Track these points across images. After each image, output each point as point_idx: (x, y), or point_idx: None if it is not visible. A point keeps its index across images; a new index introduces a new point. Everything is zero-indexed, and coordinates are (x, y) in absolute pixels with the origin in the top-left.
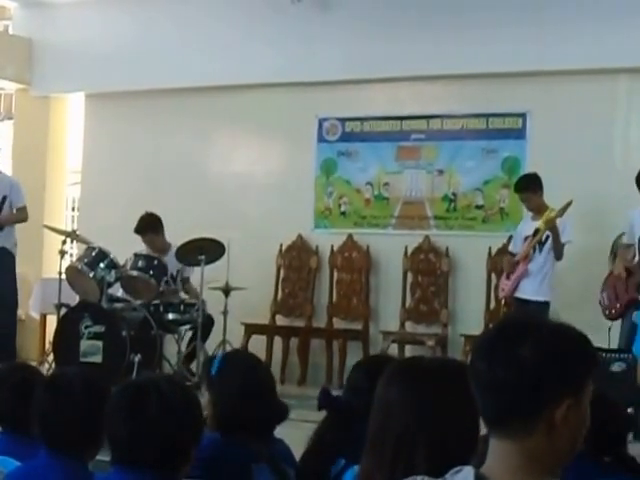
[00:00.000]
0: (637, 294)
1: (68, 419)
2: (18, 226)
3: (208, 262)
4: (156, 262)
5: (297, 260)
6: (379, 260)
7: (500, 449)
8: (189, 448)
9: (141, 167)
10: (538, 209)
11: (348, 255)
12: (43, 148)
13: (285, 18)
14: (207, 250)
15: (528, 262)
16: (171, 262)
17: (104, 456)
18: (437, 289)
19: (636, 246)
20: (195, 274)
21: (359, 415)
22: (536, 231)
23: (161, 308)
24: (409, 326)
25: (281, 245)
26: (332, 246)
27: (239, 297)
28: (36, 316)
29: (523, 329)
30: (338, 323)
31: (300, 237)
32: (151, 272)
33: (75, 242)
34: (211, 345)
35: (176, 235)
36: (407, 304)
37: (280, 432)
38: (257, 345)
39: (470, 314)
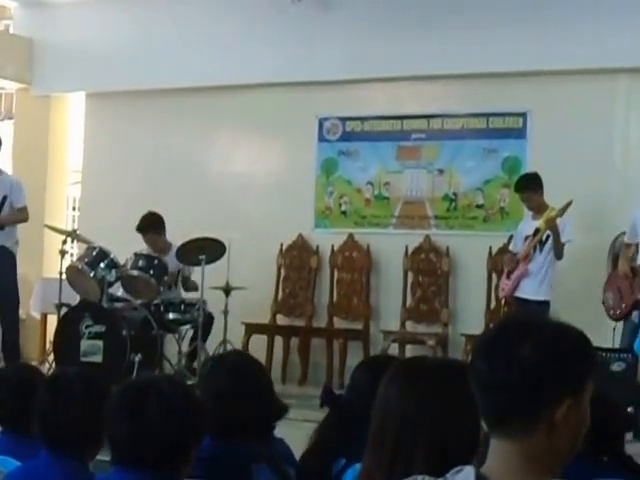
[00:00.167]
0: None
1: (68, 419)
2: (19, 225)
3: (209, 262)
4: (156, 262)
5: (298, 260)
6: (379, 260)
7: (500, 449)
8: (189, 448)
9: (141, 167)
10: (538, 208)
11: (349, 255)
12: (44, 148)
13: (285, 18)
14: (208, 250)
15: (528, 262)
16: (171, 262)
17: (104, 456)
18: (437, 289)
19: None
20: (196, 274)
21: (360, 414)
22: (536, 231)
23: (162, 308)
24: (410, 326)
25: (281, 245)
26: (333, 246)
27: (240, 297)
28: (37, 316)
29: (523, 329)
30: (339, 323)
31: (301, 237)
32: (151, 272)
33: (76, 242)
34: (212, 345)
35: (176, 235)
36: (408, 304)
37: (281, 432)
38: (258, 345)
39: (471, 314)
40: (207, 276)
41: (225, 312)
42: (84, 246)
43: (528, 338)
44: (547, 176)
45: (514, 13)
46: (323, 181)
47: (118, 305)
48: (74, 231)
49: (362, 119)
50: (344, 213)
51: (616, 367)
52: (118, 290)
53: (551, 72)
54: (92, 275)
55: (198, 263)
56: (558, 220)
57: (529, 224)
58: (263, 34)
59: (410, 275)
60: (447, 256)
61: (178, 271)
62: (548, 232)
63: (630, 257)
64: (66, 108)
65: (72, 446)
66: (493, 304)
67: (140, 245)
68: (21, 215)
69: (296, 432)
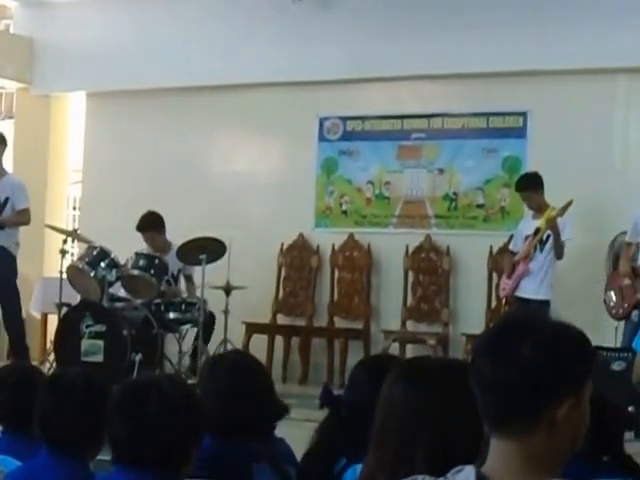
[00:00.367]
0: None
1: (69, 419)
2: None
3: (209, 261)
4: (157, 261)
5: (298, 259)
6: (380, 259)
7: (500, 449)
8: (190, 448)
9: (142, 166)
10: (539, 208)
11: (349, 254)
12: (44, 147)
13: (286, 17)
14: (208, 249)
15: (529, 261)
16: (172, 261)
17: (105, 455)
18: (438, 288)
19: None
20: (196, 273)
21: (360, 414)
22: (537, 230)
23: (162, 307)
24: (410, 325)
25: (282, 244)
26: (333, 245)
27: (240, 296)
28: (37, 315)
29: (524, 328)
30: (339, 322)
31: (301, 236)
32: (152, 271)
33: (76, 241)
34: (212, 345)
35: (177, 234)
36: (408, 303)
37: (281, 431)
38: (258, 344)
39: (471, 313)
40: (207, 276)
41: (225, 312)
42: (84, 246)
43: (528, 338)
44: (547, 175)
45: (514, 13)
46: (324, 180)
47: (119, 305)
48: (74, 231)
49: (362, 119)
50: (345, 213)
51: (616, 366)
52: (119, 290)
53: (551, 72)
54: (93, 275)
55: (199, 263)
56: (558, 220)
57: (529, 223)
58: (263, 34)
59: (411, 275)
60: (447, 255)
61: (179, 270)
62: (548, 232)
63: (631, 257)
64: (66, 108)
65: (72, 446)
66: (494, 303)
67: (141, 244)
68: (22, 217)
69: (297, 432)
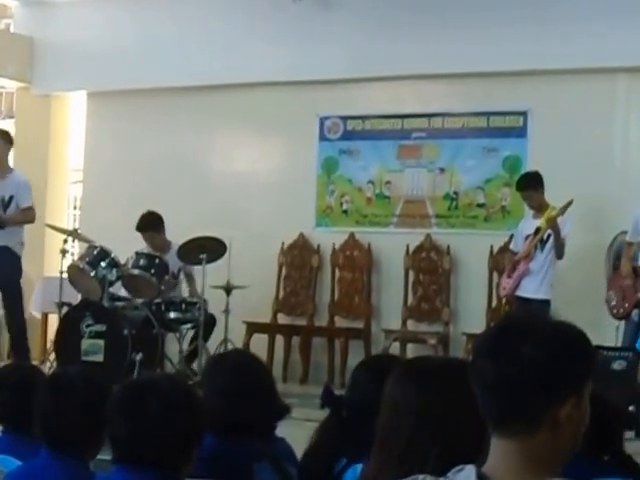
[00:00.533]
0: None
1: (69, 418)
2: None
3: (209, 261)
4: (157, 261)
5: (299, 259)
6: (380, 258)
7: (501, 448)
8: (191, 447)
9: (143, 165)
10: (539, 207)
11: (350, 253)
12: (44, 147)
13: (286, 17)
14: (208, 249)
15: (529, 261)
16: (172, 260)
17: (105, 455)
18: (439, 287)
19: None
20: (197, 273)
21: (361, 414)
22: (537, 230)
23: (163, 307)
24: (411, 324)
25: (283, 244)
26: (334, 244)
27: (241, 296)
28: (38, 315)
29: (524, 328)
30: (340, 322)
31: (302, 235)
32: (152, 271)
33: (77, 241)
34: (213, 344)
35: (177, 233)
36: (409, 302)
37: (282, 431)
38: (259, 344)
39: (472, 312)
40: (208, 275)
41: (226, 311)
42: (85, 245)
43: (529, 337)
44: (547, 175)
45: (514, 13)
46: (324, 180)
47: (119, 304)
48: (75, 230)
49: (363, 118)
50: (345, 212)
51: (617, 366)
52: (119, 289)
53: (551, 71)
54: (93, 274)
55: (199, 262)
56: (559, 219)
57: (530, 223)
58: (264, 33)
59: (411, 274)
60: (448, 255)
61: (179, 269)
62: (549, 231)
63: (632, 257)
64: (67, 107)
65: (73, 445)
66: (494, 303)
67: (141, 244)
68: (26, 216)
69: (297, 431)
